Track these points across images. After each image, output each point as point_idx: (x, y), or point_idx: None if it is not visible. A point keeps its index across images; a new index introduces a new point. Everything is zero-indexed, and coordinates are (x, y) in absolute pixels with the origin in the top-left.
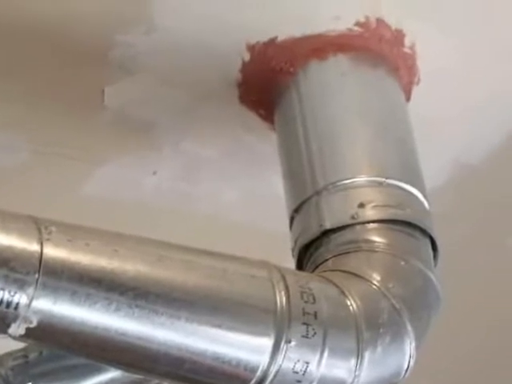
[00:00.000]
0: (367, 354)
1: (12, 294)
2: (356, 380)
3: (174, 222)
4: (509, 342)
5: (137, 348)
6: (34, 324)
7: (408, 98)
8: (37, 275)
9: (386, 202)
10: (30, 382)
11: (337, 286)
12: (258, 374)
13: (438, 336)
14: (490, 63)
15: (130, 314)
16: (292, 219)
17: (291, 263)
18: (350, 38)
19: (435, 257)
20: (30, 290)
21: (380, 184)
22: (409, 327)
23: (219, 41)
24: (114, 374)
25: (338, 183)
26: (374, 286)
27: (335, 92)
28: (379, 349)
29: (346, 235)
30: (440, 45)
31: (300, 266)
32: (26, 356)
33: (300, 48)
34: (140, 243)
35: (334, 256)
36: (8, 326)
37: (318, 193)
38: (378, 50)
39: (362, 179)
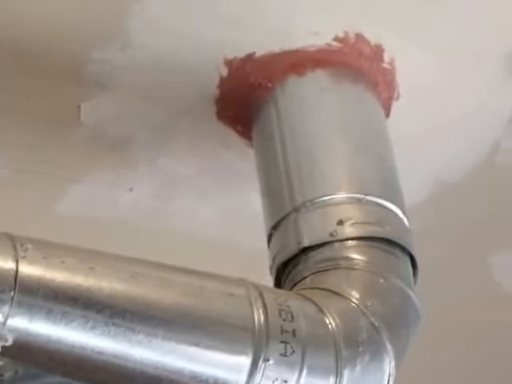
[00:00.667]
0: (346, 373)
1: None
2: None
3: (150, 239)
4: (488, 358)
5: (113, 366)
6: (9, 342)
7: (387, 114)
8: (12, 293)
9: (365, 219)
10: None
11: (315, 304)
12: None
13: (418, 353)
14: (469, 78)
15: (107, 332)
16: (270, 236)
17: (269, 281)
18: (328, 54)
19: (415, 274)
20: (5, 308)
21: (359, 201)
22: (388, 346)
23: (196, 56)
24: None
25: (317, 200)
26: (353, 304)
27: (314, 108)
28: (358, 367)
29: (325, 252)
30: (419, 60)
31: (278, 283)
32: (1, 375)
33: (278, 63)
34: (116, 260)
35: (313, 273)
36: None
37: (296, 210)
38: (358, 65)
39: (340, 196)
